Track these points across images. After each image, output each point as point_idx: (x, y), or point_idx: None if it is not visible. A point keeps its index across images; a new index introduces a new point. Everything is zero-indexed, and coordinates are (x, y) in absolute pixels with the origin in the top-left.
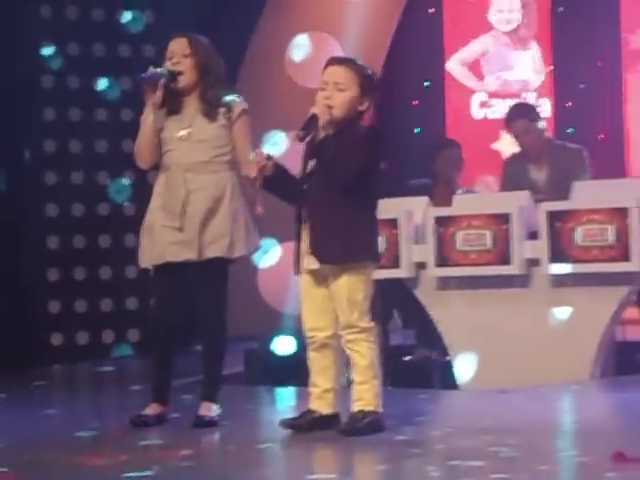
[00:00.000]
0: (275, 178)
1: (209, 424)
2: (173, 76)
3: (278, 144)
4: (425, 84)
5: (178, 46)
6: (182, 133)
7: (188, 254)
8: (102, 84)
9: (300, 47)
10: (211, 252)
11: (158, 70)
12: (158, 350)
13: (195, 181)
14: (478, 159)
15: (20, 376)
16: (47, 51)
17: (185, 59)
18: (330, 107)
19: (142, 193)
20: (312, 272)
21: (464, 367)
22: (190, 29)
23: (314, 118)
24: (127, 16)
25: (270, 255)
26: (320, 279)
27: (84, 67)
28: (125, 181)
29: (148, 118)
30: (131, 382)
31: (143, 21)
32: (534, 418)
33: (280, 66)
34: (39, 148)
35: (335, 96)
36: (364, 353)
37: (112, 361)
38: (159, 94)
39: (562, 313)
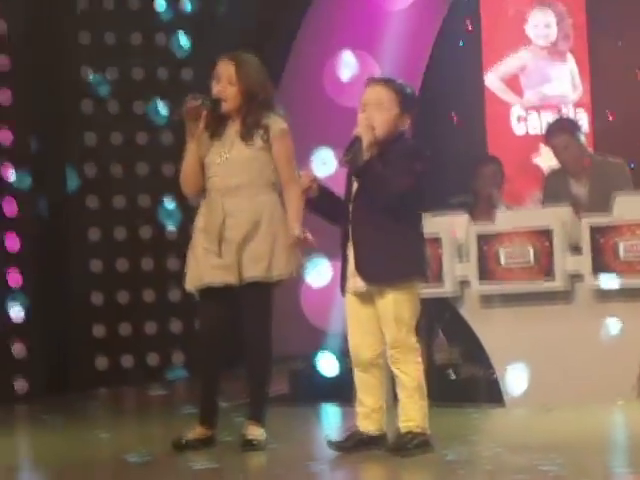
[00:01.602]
0: (320, 199)
1: (256, 446)
2: (216, 104)
3: (327, 163)
4: (464, 99)
5: (225, 70)
6: (220, 159)
7: (228, 278)
8: (144, 108)
9: (347, 66)
10: (249, 275)
11: (199, 100)
12: (204, 373)
13: (232, 205)
14: (521, 174)
15: (67, 400)
16: (87, 76)
17: (230, 86)
18: (372, 127)
19: (185, 216)
20: (358, 292)
21: (510, 384)
22: (230, 50)
23: (357, 140)
24: (166, 39)
25: (320, 273)
26: (366, 299)
27: (124, 91)
28: (172, 205)
29: (191, 148)
30: (181, 405)
31: (183, 44)
32: (582, 435)
33: (319, 84)
34: (81, 172)
35: (376, 116)
36: (412, 374)
37: (163, 384)
38: (201, 126)
39: (607, 328)
